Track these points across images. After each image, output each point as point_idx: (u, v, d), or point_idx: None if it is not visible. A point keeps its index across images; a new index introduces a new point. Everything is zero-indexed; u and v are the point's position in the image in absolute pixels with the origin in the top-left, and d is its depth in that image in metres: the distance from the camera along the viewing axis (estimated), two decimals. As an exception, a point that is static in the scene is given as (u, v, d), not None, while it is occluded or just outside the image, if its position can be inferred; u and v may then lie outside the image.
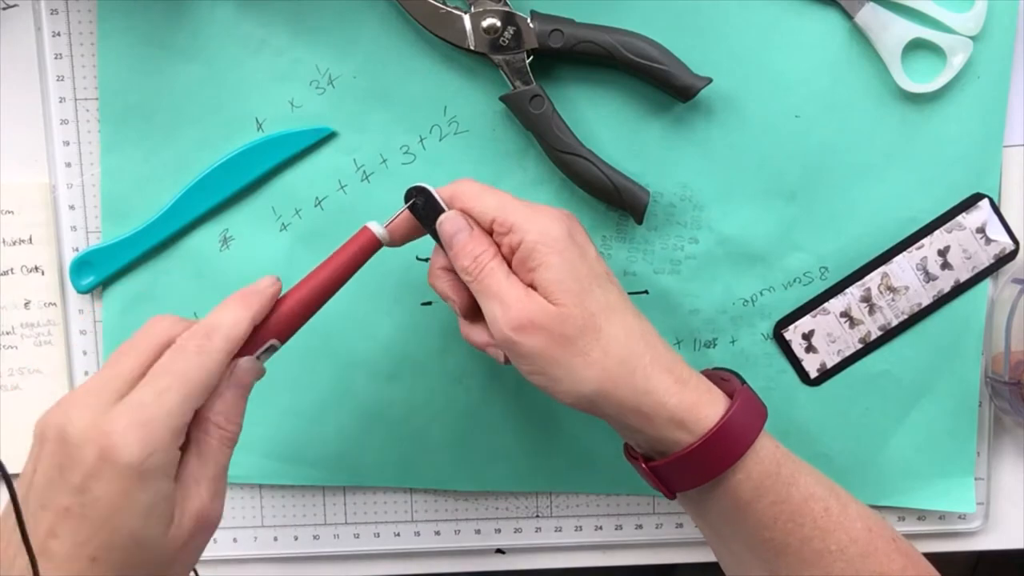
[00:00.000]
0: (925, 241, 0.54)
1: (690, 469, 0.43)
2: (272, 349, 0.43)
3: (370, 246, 0.45)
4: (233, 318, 0.41)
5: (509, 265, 0.43)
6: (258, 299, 0.42)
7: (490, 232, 0.44)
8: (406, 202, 0.45)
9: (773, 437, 0.45)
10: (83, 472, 0.35)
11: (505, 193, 0.44)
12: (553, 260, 0.42)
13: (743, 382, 0.46)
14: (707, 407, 0.43)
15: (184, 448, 0.39)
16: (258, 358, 0.42)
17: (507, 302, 0.42)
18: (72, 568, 0.35)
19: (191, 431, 0.39)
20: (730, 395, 0.44)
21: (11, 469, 0.56)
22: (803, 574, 0.43)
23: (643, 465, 0.45)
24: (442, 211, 0.44)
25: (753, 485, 0.43)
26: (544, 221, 0.43)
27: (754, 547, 0.44)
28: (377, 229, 0.45)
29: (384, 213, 0.54)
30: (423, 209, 0.45)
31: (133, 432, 0.36)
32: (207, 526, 0.39)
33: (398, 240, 0.46)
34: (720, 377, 0.46)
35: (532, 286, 0.42)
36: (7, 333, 0.55)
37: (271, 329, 0.42)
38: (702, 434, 0.42)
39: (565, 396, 0.42)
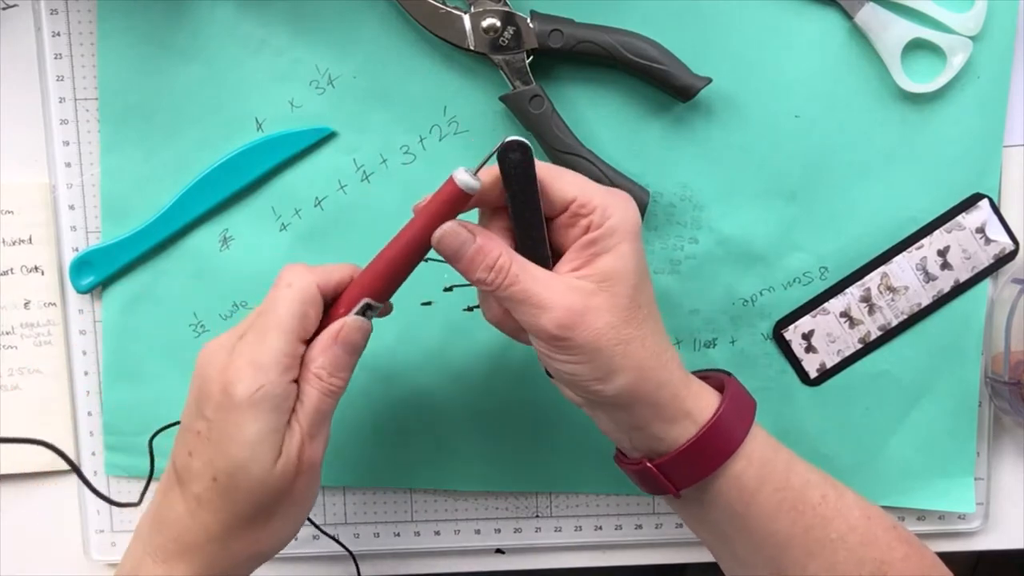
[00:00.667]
0: (925, 241, 0.54)
1: (695, 460, 0.43)
2: (372, 309, 0.43)
3: (457, 199, 0.40)
4: (297, 273, 0.44)
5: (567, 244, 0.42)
6: (326, 273, 0.44)
7: (562, 213, 0.42)
8: (500, 153, 0.40)
9: (760, 425, 0.45)
10: (211, 405, 0.41)
11: (578, 174, 0.43)
12: (625, 248, 0.41)
13: (728, 374, 0.47)
14: (706, 398, 0.44)
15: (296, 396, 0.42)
16: (364, 315, 0.43)
17: (548, 303, 0.40)
18: (201, 483, 0.41)
19: (300, 380, 0.42)
20: (718, 389, 0.45)
21: (12, 469, 0.56)
22: (808, 567, 0.43)
23: (648, 464, 0.44)
24: (534, 177, 0.40)
25: (755, 472, 0.43)
26: (626, 206, 0.42)
27: (759, 544, 0.44)
28: (464, 178, 0.40)
29: (384, 213, 0.54)
30: (514, 166, 0.40)
31: (244, 370, 0.40)
32: (308, 467, 0.42)
33: (488, 191, 0.42)
34: (703, 376, 0.47)
35: (589, 266, 0.41)
36: (7, 333, 0.55)
37: (362, 288, 0.43)
38: (704, 422, 0.42)
39: (601, 387, 0.42)
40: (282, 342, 0.41)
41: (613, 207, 0.41)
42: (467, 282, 0.54)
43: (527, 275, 0.41)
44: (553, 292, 0.41)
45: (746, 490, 0.43)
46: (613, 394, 0.42)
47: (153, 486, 0.49)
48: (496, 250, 0.41)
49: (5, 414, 0.55)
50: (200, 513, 0.42)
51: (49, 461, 0.56)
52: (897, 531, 0.45)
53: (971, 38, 0.51)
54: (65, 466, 0.56)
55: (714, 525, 0.46)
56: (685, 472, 0.44)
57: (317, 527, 0.56)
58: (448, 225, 0.41)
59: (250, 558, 0.43)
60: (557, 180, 0.42)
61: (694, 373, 0.46)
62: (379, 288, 0.43)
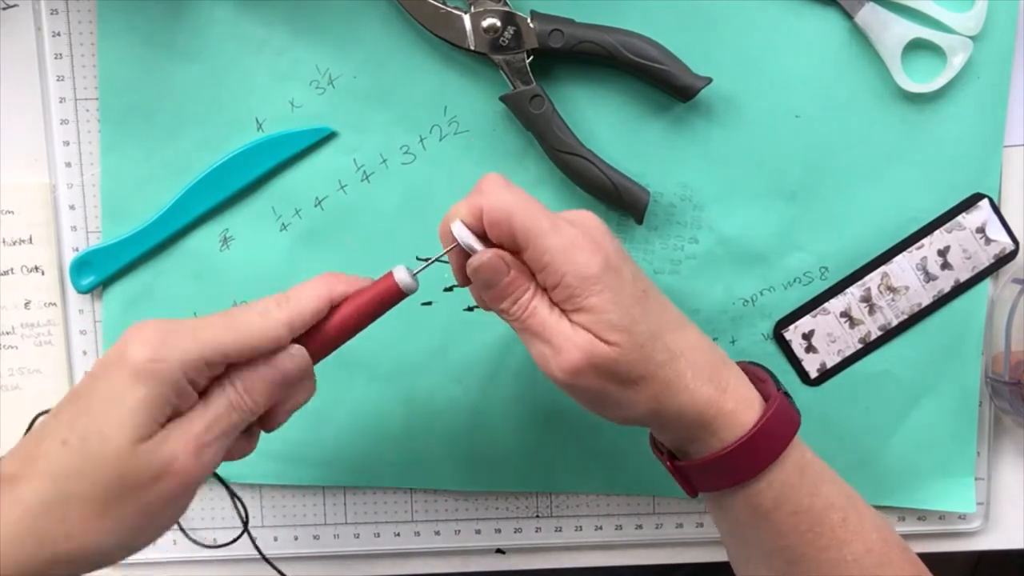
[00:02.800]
0: (925, 241, 0.54)
1: (714, 473, 0.43)
2: None
3: (394, 296, 0.42)
4: (310, 293, 0.41)
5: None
6: (345, 283, 0.42)
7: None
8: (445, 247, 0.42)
9: (803, 442, 0.44)
10: (101, 364, 0.38)
11: (532, 210, 0.40)
12: (594, 302, 0.40)
13: (778, 386, 0.45)
14: (743, 414, 0.42)
15: (201, 398, 0.39)
16: None
17: (556, 344, 0.40)
18: (44, 448, 0.37)
19: (214, 385, 0.39)
20: (766, 397, 0.44)
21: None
22: None
23: (668, 463, 0.45)
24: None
25: (774, 495, 0.43)
26: (579, 258, 0.40)
27: (770, 553, 0.44)
28: (403, 276, 0.42)
29: (384, 213, 0.54)
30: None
31: (151, 339, 0.37)
32: (177, 473, 0.37)
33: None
34: (758, 377, 0.45)
35: (578, 324, 0.41)
36: (7, 333, 0.55)
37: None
38: (732, 442, 0.42)
39: (616, 420, 0.43)
40: (215, 341, 0.38)
41: (563, 263, 0.40)
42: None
43: (544, 311, 0.41)
44: (562, 335, 0.40)
45: (760, 508, 0.43)
46: (621, 424, 0.43)
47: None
48: (523, 284, 0.41)
49: (5, 414, 0.55)
50: (28, 479, 0.36)
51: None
52: (906, 554, 0.45)
53: (971, 38, 0.51)
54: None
55: (728, 525, 0.46)
56: (703, 479, 0.44)
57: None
58: (488, 254, 0.41)
59: (55, 558, 0.36)
60: (504, 232, 0.40)
61: (747, 365, 0.45)
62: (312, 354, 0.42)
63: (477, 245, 0.41)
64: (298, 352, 0.40)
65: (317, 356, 0.42)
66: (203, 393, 0.39)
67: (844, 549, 0.43)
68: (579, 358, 0.40)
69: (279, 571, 0.51)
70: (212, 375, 0.38)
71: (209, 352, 0.38)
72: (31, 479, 0.36)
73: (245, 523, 0.47)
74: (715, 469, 0.43)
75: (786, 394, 0.45)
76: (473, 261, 0.41)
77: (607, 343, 0.40)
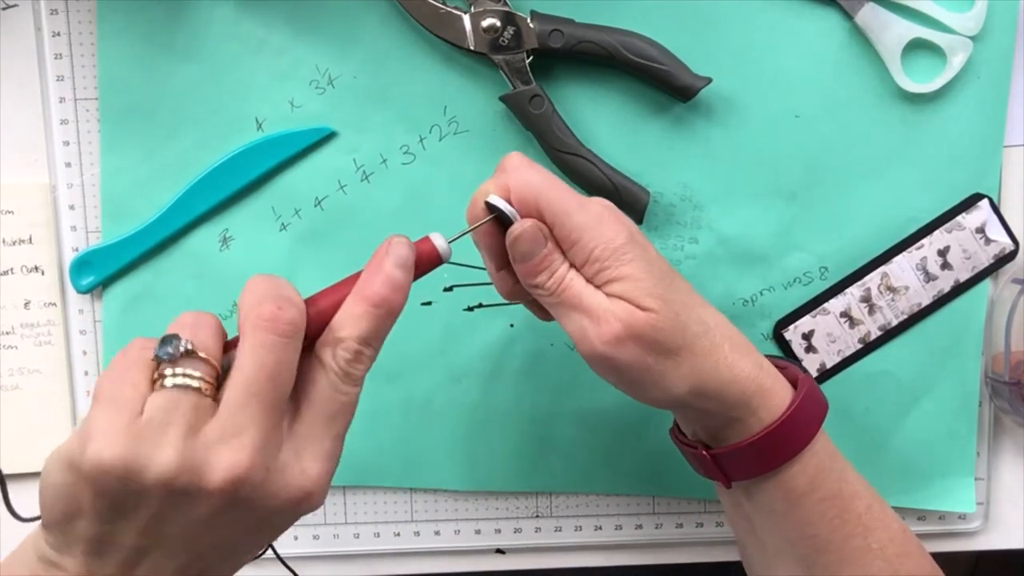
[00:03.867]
0: (925, 241, 0.54)
1: (752, 457, 0.43)
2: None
3: (432, 260, 0.41)
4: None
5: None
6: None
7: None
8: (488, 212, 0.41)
9: (825, 432, 0.44)
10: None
11: (558, 188, 0.41)
12: (626, 271, 0.40)
13: (804, 370, 0.45)
14: (780, 393, 0.42)
15: (293, 395, 0.37)
16: None
17: (594, 315, 0.40)
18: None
19: (304, 367, 0.37)
20: (792, 383, 0.43)
21: (12, 469, 0.56)
22: (841, 572, 0.43)
23: (704, 453, 0.44)
24: (510, 221, 0.41)
25: (808, 479, 0.43)
26: (606, 232, 0.40)
27: (795, 543, 0.44)
28: (440, 242, 0.41)
29: (384, 213, 0.54)
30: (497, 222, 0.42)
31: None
32: (309, 505, 0.36)
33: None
34: (779, 365, 0.45)
35: (614, 295, 0.41)
36: (7, 333, 0.55)
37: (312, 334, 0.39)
38: (770, 422, 0.41)
39: (656, 401, 0.42)
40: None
41: (592, 236, 0.40)
42: (467, 283, 0.54)
43: (579, 284, 0.41)
44: (601, 305, 0.40)
45: (793, 493, 0.43)
46: (663, 404, 0.43)
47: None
48: (559, 258, 0.41)
49: (5, 414, 0.55)
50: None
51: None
52: (923, 549, 0.45)
53: (971, 38, 0.51)
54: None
55: (751, 516, 0.45)
56: (741, 466, 0.43)
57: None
58: (529, 225, 0.41)
59: None
60: (535, 209, 0.41)
61: (770, 359, 0.45)
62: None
63: (516, 215, 0.41)
64: (400, 239, 0.39)
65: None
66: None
67: (869, 537, 0.43)
68: (619, 328, 0.39)
69: (292, 571, 0.50)
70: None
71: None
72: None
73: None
74: (755, 453, 0.42)
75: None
76: (514, 229, 0.41)
77: (644, 309, 0.40)
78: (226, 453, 0.33)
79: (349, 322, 0.37)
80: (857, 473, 0.45)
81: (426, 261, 0.40)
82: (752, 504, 0.45)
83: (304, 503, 0.36)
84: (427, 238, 0.40)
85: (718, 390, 0.41)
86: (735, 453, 0.43)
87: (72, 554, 0.35)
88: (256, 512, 0.35)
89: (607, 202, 0.42)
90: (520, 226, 0.41)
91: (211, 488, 0.33)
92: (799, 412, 0.42)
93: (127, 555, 0.34)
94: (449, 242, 0.41)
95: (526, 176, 0.41)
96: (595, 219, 0.40)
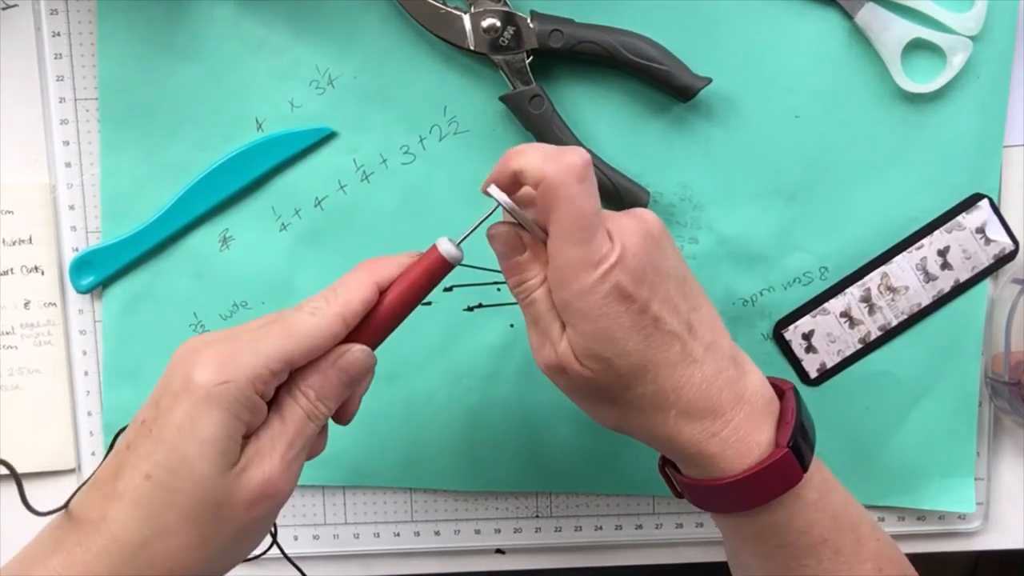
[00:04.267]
0: (925, 241, 0.54)
1: (697, 496, 0.43)
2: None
3: (441, 268, 0.41)
4: (356, 283, 0.40)
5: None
6: (388, 266, 0.41)
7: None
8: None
9: (814, 461, 0.42)
10: (166, 391, 0.36)
11: (577, 217, 0.38)
12: (581, 328, 0.38)
13: (797, 410, 0.41)
14: (726, 460, 0.40)
15: (272, 409, 0.38)
16: None
17: (542, 337, 0.40)
18: (127, 483, 0.36)
19: (283, 395, 0.38)
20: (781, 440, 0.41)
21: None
22: None
23: (662, 466, 0.45)
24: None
25: (756, 530, 0.42)
26: (584, 278, 0.38)
27: (756, 571, 0.44)
28: (448, 248, 0.40)
29: (384, 213, 0.54)
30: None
31: (214, 360, 0.36)
32: (272, 495, 0.37)
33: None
34: (784, 419, 0.42)
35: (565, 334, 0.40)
36: (7, 333, 0.55)
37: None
38: (716, 478, 0.40)
39: (591, 417, 0.43)
40: (278, 351, 0.37)
41: (560, 282, 0.39)
42: (467, 283, 0.54)
43: (542, 307, 0.40)
44: (548, 337, 0.40)
45: (742, 534, 0.43)
46: (613, 429, 0.42)
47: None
48: (531, 273, 0.40)
49: (5, 414, 0.55)
50: (117, 515, 0.35)
51: (49, 461, 0.56)
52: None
53: (971, 38, 0.51)
54: (66, 466, 0.56)
55: (722, 532, 0.46)
56: (690, 495, 0.43)
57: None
58: (505, 230, 0.40)
59: None
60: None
61: (774, 382, 0.44)
62: (370, 343, 0.41)
63: (510, 211, 0.39)
64: (359, 350, 0.40)
65: (374, 343, 0.41)
66: (272, 402, 0.38)
67: None
68: (554, 361, 0.40)
69: (300, 570, 0.50)
70: (278, 383, 0.38)
71: (274, 363, 0.37)
72: (120, 518, 0.35)
73: (274, 534, 0.45)
74: (697, 493, 0.42)
75: (803, 435, 0.41)
76: (491, 228, 0.41)
77: (581, 365, 0.39)
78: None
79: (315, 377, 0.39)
80: (839, 515, 0.42)
81: (437, 270, 0.41)
82: (718, 524, 0.45)
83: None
84: (434, 247, 0.41)
85: (649, 442, 0.42)
86: (683, 484, 0.43)
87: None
88: None
89: (638, 226, 0.39)
90: (496, 228, 0.41)
91: None
92: (752, 480, 0.40)
93: None
94: (458, 244, 0.41)
95: (562, 184, 0.38)
96: (578, 264, 0.38)
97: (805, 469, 0.40)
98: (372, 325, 0.40)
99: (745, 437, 0.40)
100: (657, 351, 0.39)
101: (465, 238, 0.41)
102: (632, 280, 0.38)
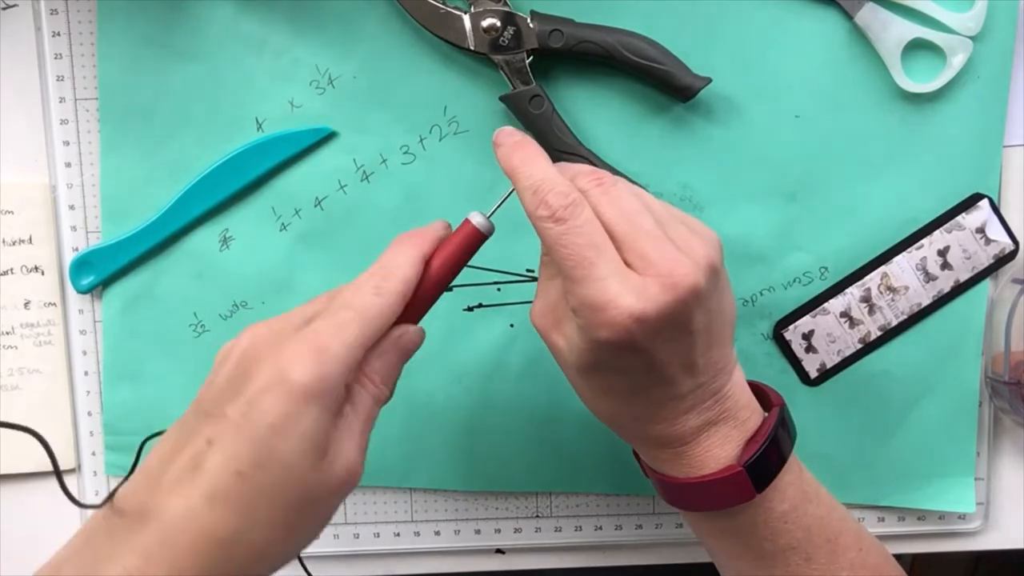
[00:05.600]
0: (925, 241, 0.54)
1: (658, 487, 0.44)
2: None
3: (475, 240, 0.42)
4: (407, 258, 0.40)
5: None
6: (428, 239, 0.41)
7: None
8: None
9: (790, 474, 0.42)
10: (255, 387, 0.35)
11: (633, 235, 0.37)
12: (575, 333, 0.39)
13: (773, 431, 0.41)
14: (697, 467, 0.41)
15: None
16: None
17: (536, 297, 0.41)
18: (216, 480, 0.34)
19: (349, 382, 0.38)
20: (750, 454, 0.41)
21: (11, 469, 0.56)
22: None
23: (636, 456, 0.46)
24: None
25: (717, 528, 0.43)
26: (599, 334, 0.37)
27: (721, 566, 0.46)
28: (480, 220, 0.41)
29: (384, 213, 0.54)
30: None
31: (309, 356, 0.35)
32: (351, 479, 0.37)
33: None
34: (763, 393, 0.43)
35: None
36: (7, 333, 0.55)
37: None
38: (671, 475, 0.42)
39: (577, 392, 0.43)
40: (360, 338, 0.37)
41: (581, 290, 0.37)
42: (467, 283, 0.54)
43: (547, 271, 0.41)
44: (543, 302, 0.41)
45: (702, 531, 0.44)
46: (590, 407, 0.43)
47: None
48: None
49: (5, 414, 0.55)
50: (206, 513, 0.34)
51: (49, 461, 0.56)
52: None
53: (971, 38, 0.51)
54: (66, 466, 0.56)
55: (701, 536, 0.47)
56: (657, 488, 0.44)
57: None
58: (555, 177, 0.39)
59: (243, 570, 0.36)
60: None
61: (760, 386, 0.44)
62: (414, 319, 0.42)
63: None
64: (416, 331, 0.40)
65: (418, 318, 0.41)
66: None
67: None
68: (538, 322, 0.41)
69: (306, 570, 0.50)
70: None
71: (359, 352, 0.37)
72: (208, 514, 0.34)
73: None
74: (659, 486, 0.44)
75: (770, 456, 0.41)
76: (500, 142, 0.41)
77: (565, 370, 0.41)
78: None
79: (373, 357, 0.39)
80: (814, 521, 0.42)
81: (472, 242, 0.41)
82: (692, 524, 0.46)
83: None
84: (467, 220, 0.42)
85: (641, 438, 0.43)
86: (648, 470, 0.44)
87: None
88: None
89: (694, 254, 0.37)
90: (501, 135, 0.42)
91: None
92: (700, 488, 0.41)
93: None
94: (487, 217, 0.42)
95: (541, 227, 0.38)
96: (583, 304, 0.37)
97: (761, 489, 0.40)
98: (417, 300, 0.41)
99: (705, 452, 0.41)
100: (643, 387, 0.40)
101: (493, 212, 0.42)
102: (648, 335, 0.37)
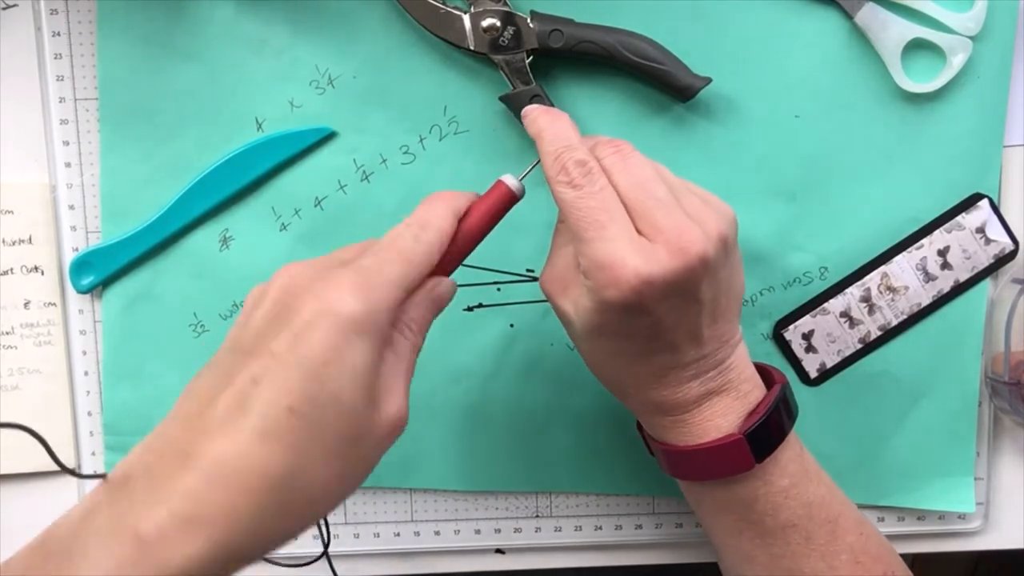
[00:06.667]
0: (925, 241, 0.54)
1: (659, 457, 0.45)
2: None
3: (507, 200, 0.42)
4: (442, 211, 0.39)
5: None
6: (461, 198, 0.41)
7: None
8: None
9: (790, 450, 0.43)
10: (301, 321, 0.33)
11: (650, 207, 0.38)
12: (584, 298, 0.40)
13: (775, 405, 0.42)
14: (698, 435, 0.42)
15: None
16: None
17: (547, 264, 0.42)
18: (267, 419, 0.32)
19: (390, 328, 0.37)
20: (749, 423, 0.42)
21: (10, 469, 0.56)
22: None
23: (639, 430, 0.48)
24: None
25: (718, 501, 0.43)
26: (606, 294, 0.38)
27: (721, 547, 0.46)
28: (512, 182, 0.42)
29: (384, 213, 0.54)
30: None
31: (357, 290, 0.34)
32: (400, 423, 0.36)
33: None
34: (766, 372, 0.45)
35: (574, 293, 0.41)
36: (7, 333, 0.55)
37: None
38: (671, 443, 0.43)
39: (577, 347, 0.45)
40: (403, 278, 0.36)
41: (592, 254, 0.39)
42: (467, 283, 0.54)
43: (565, 233, 0.43)
44: (560, 264, 0.42)
45: (703, 505, 0.45)
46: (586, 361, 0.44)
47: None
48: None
49: (5, 414, 0.55)
50: (258, 450, 0.32)
51: (49, 461, 0.56)
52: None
53: (971, 38, 0.51)
54: (65, 466, 0.56)
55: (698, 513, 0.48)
56: (660, 459, 0.45)
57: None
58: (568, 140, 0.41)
59: (301, 522, 0.34)
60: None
61: (760, 367, 0.45)
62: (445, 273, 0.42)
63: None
64: (449, 283, 0.40)
65: (449, 272, 0.42)
66: None
67: (802, 564, 0.43)
68: (547, 287, 0.42)
69: (333, 570, 0.50)
70: None
71: (402, 291, 0.36)
72: (261, 452, 0.32)
73: (326, 545, 0.45)
74: (665, 458, 0.45)
75: (771, 428, 0.42)
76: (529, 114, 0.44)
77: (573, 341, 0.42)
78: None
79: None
80: (814, 503, 0.43)
81: (506, 201, 0.42)
82: (694, 501, 0.46)
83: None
84: (500, 181, 0.42)
85: (646, 406, 0.44)
86: (651, 440, 0.45)
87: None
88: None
89: (706, 226, 0.39)
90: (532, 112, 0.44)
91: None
92: (698, 455, 0.42)
93: None
94: (520, 179, 0.43)
95: (556, 188, 0.40)
96: (592, 265, 0.38)
97: (761, 459, 0.41)
98: (449, 256, 0.41)
99: (706, 421, 0.42)
100: (648, 353, 0.41)
101: (525, 175, 0.43)
102: (655, 298, 0.37)
